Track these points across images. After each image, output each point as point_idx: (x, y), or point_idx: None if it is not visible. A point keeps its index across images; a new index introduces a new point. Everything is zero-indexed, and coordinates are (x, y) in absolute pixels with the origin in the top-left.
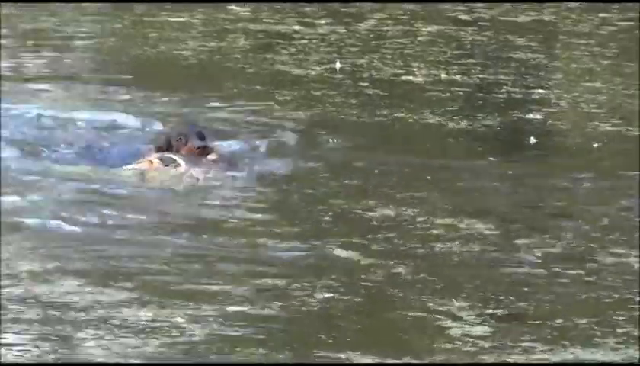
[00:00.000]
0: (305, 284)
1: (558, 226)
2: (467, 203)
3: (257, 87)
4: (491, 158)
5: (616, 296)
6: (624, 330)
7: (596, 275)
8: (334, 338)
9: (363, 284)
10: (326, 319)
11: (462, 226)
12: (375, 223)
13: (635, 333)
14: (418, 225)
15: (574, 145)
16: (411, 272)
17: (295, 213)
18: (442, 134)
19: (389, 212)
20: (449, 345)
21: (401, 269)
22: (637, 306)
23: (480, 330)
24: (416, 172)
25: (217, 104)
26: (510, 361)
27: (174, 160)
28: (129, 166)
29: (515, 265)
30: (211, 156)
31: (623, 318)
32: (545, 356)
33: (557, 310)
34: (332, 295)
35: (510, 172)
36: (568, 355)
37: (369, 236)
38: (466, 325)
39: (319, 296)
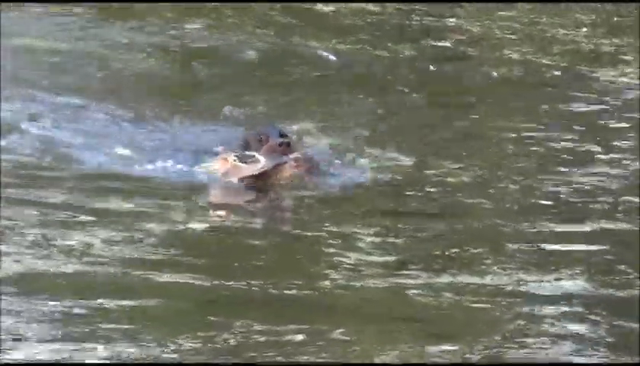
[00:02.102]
0: None
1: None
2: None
3: None
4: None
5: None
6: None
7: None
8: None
9: None
10: None
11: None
12: None
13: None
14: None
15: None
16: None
17: None
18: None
19: None
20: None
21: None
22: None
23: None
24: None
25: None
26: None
27: (253, 156)
28: (203, 165)
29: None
30: (294, 154)
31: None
32: (435, 281)
33: (453, 239)
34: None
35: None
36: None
37: None
38: (364, 255)
39: None
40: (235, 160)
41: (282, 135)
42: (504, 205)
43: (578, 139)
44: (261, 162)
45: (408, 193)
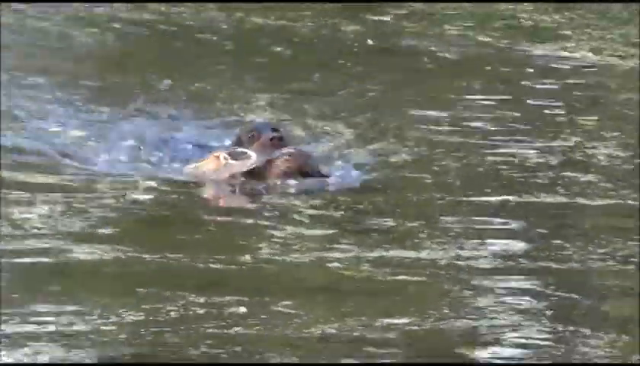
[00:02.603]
0: None
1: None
2: None
3: None
4: None
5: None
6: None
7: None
8: None
9: None
10: None
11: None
12: None
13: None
14: None
15: None
16: None
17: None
18: None
19: None
20: None
21: None
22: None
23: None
24: None
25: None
26: None
27: (244, 152)
28: (192, 165)
29: None
30: (286, 149)
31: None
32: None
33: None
34: None
35: None
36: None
37: None
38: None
39: None
40: (226, 158)
41: (274, 130)
42: (445, 179)
43: (519, 114)
44: (252, 158)
45: None
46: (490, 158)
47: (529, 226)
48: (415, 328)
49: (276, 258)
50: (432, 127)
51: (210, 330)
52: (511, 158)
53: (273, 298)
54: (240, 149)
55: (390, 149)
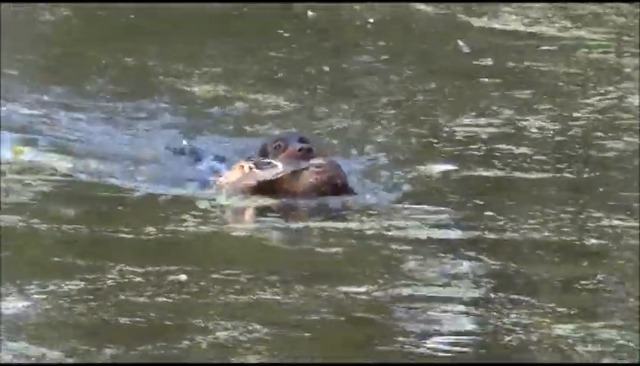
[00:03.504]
0: None
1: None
2: None
3: None
4: None
5: None
6: None
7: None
8: None
9: None
10: None
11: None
12: None
13: None
14: None
15: None
16: None
17: None
18: None
19: None
20: None
21: None
22: None
23: None
24: None
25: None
26: None
27: (269, 162)
28: (219, 175)
29: None
30: (317, 160)
31: None
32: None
33: None
34: None
35: None
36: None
37: None
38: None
39: None
40: (251, 167)
41: (301, 141)
42: (379, 149)
43: (454, 88)
44: (278, 167)
45: None
46: (426, 131)
47: (464, 198)
48: (351, 296)
49: (216, 228)
50: (368, 98)
51: (150, 299)
52: (447, 132)
53: (213, 266)
54: (266, 160)
55: (330, 120)
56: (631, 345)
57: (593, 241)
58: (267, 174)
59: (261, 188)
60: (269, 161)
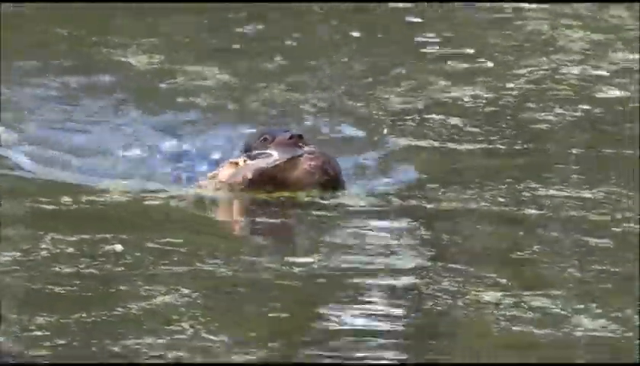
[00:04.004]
0: None
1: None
2: None
3: None
4: None
5: None
6: None
7: None
8: None
9: None
10: None
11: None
12: None
13: None
14: None
15: None
16: None
17: None
18: None
19: None
20: None
21: None
22: None
23: None
24: None
25: None
26: None
27: (264, 152)
28: (209, 175)
29: None
30: (309, 147)
31: None
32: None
33: None
34: None
35: None
36: None
37: None
38: None
39: None
40: (245, 160)
41: (288, 131)
42: (316, 118)
43: (388, 58)
44: (274, 155)
45: None
46: (362, 103)
47: (399, 169)
48: (288, 264)
49: (154, 200)
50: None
51: (84, 268)
52: (380, 102)
53: (149, 236)
54: (259, 151)
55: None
56: (563, 313)
57: (530, 211)
58: (263, 164)
59: (257, 181)
60: (262, 151)
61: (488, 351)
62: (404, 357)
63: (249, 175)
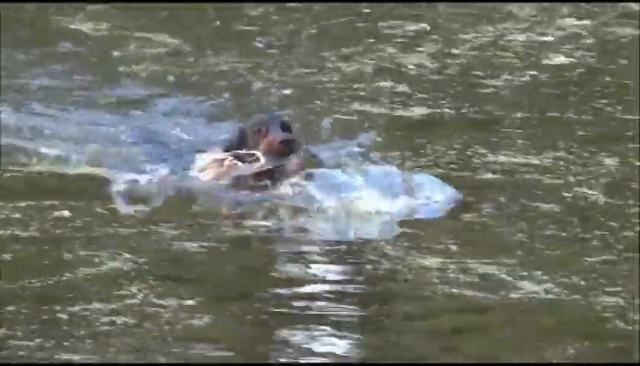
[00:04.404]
0: None
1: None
2: None
3: None
4: None
5: None
6: None
7: None
8: None
9: None
10: None
11: None
12: None
13: None
14: None
15: None
16: None
17: None
18: None
19: None
20: None
21: None
22: None
23: None
24: None
25: None
26: None
27: (252, 154)
28: (195, 167)
29: None
30: (295, 156)
31: None
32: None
33: None
34: None
35: None
36: None
37: None
38: None
39: None
40: (232, 160)
41: (283, 126)
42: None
43: (336, 26)
44: (262, 161)
45: None
46: (310, 69)
47: (350, 134)
48: (238, 233)
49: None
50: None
51: (32, 233)
52: (331, 68)
53: (97, 202)
54: (246, 151)
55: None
56: (506, 277)
57: (479, 176)
58: (247, 169)
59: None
60: (251, 152)
61: (424, 315)
62: (346, 313)
63: (229, 180)
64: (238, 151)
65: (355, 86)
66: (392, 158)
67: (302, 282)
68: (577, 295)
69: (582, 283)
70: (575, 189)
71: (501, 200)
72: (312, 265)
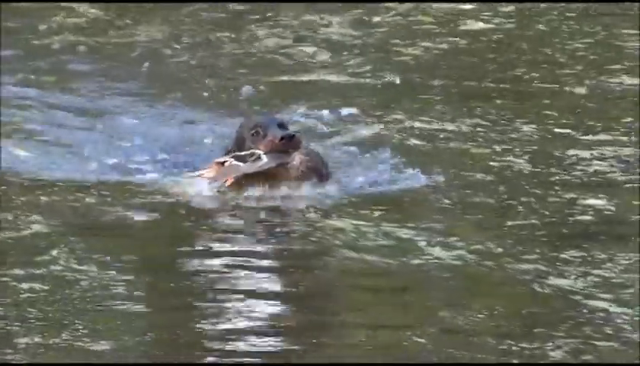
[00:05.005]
0: None
1: None
2: None
3: None
4: None
5: None
6: None
7: None
8: None
9: None
10: None
11: None
12: None
13: None
14: None
15: None
16: None
17: None
18: None
19: None
20: None
21: None
22: None
23: None
24: None
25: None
26: None
27: (253, 153)
28: (195, 174)
29: None
30: (300, 153)
31: None
32: None
33: None
34: None
35: None
36: None
37: None
38: None
39: None
40: (231, 161)
41: (281, 126)
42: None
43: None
44: (263, 160)
45: None
46: (227, 40)
47: (271, 101)
48: (154, 201)
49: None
50: None
51: None
52: (248, 39)
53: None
54: (247, 152)
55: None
56: (421, 244)
57: (408, 143)
58: (251, 168)
59: (242, 182)
60: (251, 152)
61: (334, 278)
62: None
63: (236, 176)
64: (239, 152)
65: (276, 54)
66: (312, 127)
67: (221, 254)
68: (490, 261)
69: (499, 249)
70: (501, 157)
71: (432, 167)
72: (231, 235)
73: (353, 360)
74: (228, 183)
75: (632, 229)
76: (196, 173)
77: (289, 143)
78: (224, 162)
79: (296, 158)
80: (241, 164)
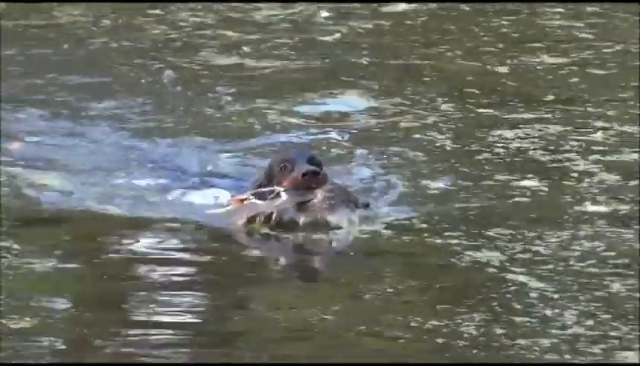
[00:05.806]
0: None
1: None
2: None
3: None
4: None
5: None
6: None
7: None
8: None
9: None
10: None
11: None
12: None
13: None
14: None
15: None
16: None
17: None
18: None
19: None
20: None
21: None
22: None
23: None
24: None
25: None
26: None
27: (272, 190)
28: (218, 212)
29: None
30: (323, 190)
31: None
32: None
33: None
34: None
35: None
36: None
37: None
38: None
39: None
40: (251, 198)
41: (310, 161)
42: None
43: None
44: (282, 197)
45: None
46: (149, 24)
47: (212, 86)
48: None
49: None
50: None
51: None
52: (171, 20)
53: None
54: (268, 188)
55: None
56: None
57: (332, 123)
58: (269, 206)
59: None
60: (271, 189)
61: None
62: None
63: (252, 215)
64: (260, 189)
65: (200, 36)
66: (238, 110)
67: (149, 248)
68: (409, 236)
69: (422, 225)
70: (426, 133)
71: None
72: (157, 226)
73: None
74: (239, 222)
75: (563, 210)
76: (217, 211)
77: (312, 179)
78: (244, 198)
79: (318, 195)
80: (259, 202)
